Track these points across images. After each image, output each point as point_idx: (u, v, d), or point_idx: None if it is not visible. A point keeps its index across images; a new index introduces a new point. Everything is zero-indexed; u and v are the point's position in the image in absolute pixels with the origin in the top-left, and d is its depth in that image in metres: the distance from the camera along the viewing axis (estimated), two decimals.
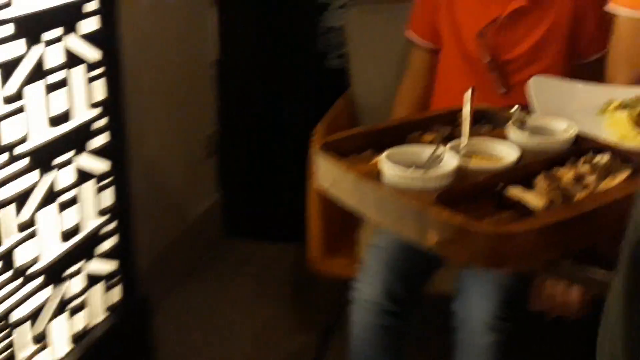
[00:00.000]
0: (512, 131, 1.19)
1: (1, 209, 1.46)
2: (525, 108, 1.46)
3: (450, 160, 1.06)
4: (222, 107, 2.80)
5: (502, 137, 1.21)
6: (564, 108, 1.45)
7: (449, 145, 1.15)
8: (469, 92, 1.21)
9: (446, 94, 1.91)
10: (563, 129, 1.22)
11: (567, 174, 1.10)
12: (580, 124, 1.25)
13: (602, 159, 1.13)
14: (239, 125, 2.82)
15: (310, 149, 1.98)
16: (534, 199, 1.04)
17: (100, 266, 1.78)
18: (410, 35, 1.99)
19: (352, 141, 1.22)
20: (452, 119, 1.31)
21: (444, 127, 1.29)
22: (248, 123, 2.80)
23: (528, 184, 1.10)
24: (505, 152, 1.15)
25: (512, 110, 1.24)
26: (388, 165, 1.05)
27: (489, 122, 1.32)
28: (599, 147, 1.17)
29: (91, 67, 1.68)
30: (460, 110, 1.31)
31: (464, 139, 1.16)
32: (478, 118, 1.30)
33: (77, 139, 1.66)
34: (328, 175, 1.14)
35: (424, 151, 1.11)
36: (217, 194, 2.89)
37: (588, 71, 1.87)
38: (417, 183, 1.03)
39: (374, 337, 1.76)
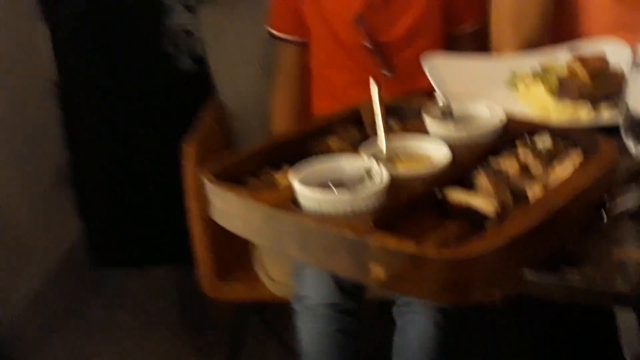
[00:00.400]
0: (434, 124, 1.01)
1: None
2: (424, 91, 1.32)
3: (379, 172, 0.86)
4: (69, 132, 2.51)
5: (419, 131, 1.04)
6: (468, 87, 1.30)
7: (365, 151, 0.96)
8: (374, 85, 1.03)
9: (327, 87, 1.77)
10: (487, 113, 1.05)
11: (511, 167, 0.93)
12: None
13: (544, 142, 0.97)
14: (92, 148, 2.53)
15: (181, 161, 1.75)
16: (482, 202, 0.87)
17: None
18: (274, 33, 1.81)
19: (248, 163, 1.00)
20: (356, 119, 1.12)
21: (350, 129, 1.09)
22: (102, 144, 2.52)
23: (466, 183, 0.93)
24: (432, 150, 0.97)
25: (437, 100, 1.06)
26: (304, 189, 0.84)
27: (395, 116, 1.14)
28: (534, 129, 1.02)
29: None
30: (364, 107, 1.12)
31: (382, 142, 0.97)
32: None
33: None
34: (229, 209, 0.92)
35: (340, 164, 0.91)
36: (80, 226, 2.59)
37: (469, 44, 1.79)
38: (346, 207, 0.83)
39: (333, 346, 1.57)
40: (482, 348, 1.96)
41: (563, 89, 1.20)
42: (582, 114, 1.17)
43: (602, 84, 1.18)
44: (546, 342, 1.77)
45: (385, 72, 1.70)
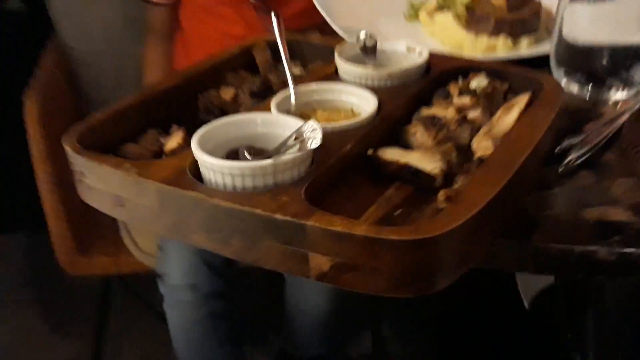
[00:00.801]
0: (348, 66, 0.85)
1: None
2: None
3: (308, 130, 0.69)
4: None
5: (327, 75, 0.87)
6: (362, 22, 1.14)
7: (273, 102, 0.78)
8: (274, 19, 0.84)
9: (202, 46, 1.54)
10: (405, 51, 0.90)
11: (448, 115, 0.79)
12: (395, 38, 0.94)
13: (481, 82, 0.83)
14: None
15: (22, 116, 1.49)
16: (424, 161, 0.72)
17: None
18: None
19: (122, 123, 0.80)
20: (246, 61, 0.94)
21: (243, 74, 0.91)
22: None
23: (399, 141, 0.78)
24: (352, 98, 0.80)
25: (359, 37, 0.89)
26: (211, 159, 0.66)
27: (293, 57, 0.96)
28: (462, 68, 0.87)
29: None
30: (255, 46, 0.94)
31: (292, 90, 0.79)
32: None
33: None
34: (107, 188, 0.72)
35: (252, 123, 0.73)
36: None
37: None
38: (268, 179, 0.65)
39: (202, 333, 1.38)
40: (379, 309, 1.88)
41: (473, 15, 1.06)
42: (498, 45, 1.04)
43: (517, 7, 1.05)
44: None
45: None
